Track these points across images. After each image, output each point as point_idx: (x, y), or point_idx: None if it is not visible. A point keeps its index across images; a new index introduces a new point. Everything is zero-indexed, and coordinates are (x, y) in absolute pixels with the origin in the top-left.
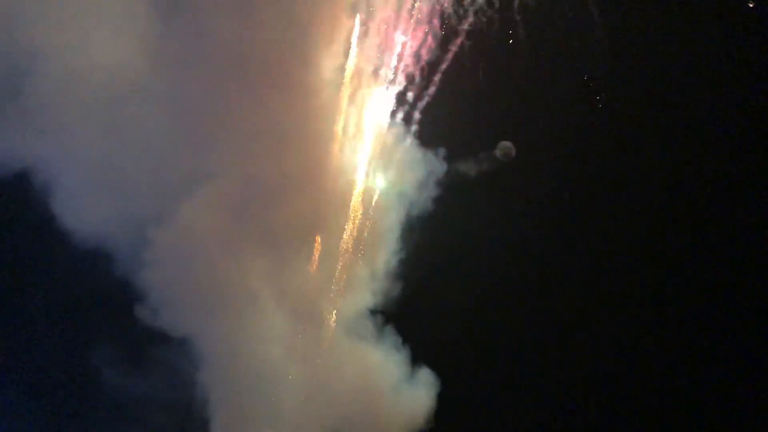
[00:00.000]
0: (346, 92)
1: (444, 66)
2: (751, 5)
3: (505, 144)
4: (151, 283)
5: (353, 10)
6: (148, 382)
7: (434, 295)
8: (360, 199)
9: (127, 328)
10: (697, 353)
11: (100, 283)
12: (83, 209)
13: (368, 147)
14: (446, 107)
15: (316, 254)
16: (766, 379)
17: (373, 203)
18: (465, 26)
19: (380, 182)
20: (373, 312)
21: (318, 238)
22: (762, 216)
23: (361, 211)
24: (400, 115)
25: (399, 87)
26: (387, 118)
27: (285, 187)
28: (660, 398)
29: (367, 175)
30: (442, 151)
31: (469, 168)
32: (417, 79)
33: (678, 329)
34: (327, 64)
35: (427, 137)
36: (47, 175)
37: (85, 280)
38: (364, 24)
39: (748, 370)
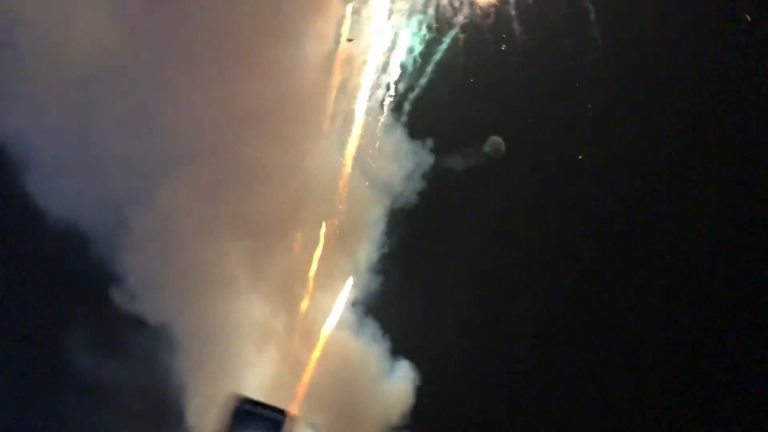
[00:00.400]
0: (335, 79)
1: (437, 57)
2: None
3: (495, 139)
4: (128, 266)
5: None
6: (122, 367)
7: (416, 287)
8: (344, 187)
9: (102, 312)
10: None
11: (75, 265)
12: (58, 188)
13: (355, 135)
14: (437, 99)
15: (296, 241)
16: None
17: (357, 192)
18: (460, 18)
19: (366, 171)
20: (354, 303)
21: (298, 225)
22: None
23: (344, 200)
24: (390, 106)
25: (390, 77)
26: (376, 108)
27: (266, 171)
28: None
29: (353, 163)
30: (430, 143)
31: (456, 162)
32: (409, 69)
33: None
34: (315, 49)
35: (416, 129)
36: (20, 151)
37: (59, 261)
38: (357, 12)
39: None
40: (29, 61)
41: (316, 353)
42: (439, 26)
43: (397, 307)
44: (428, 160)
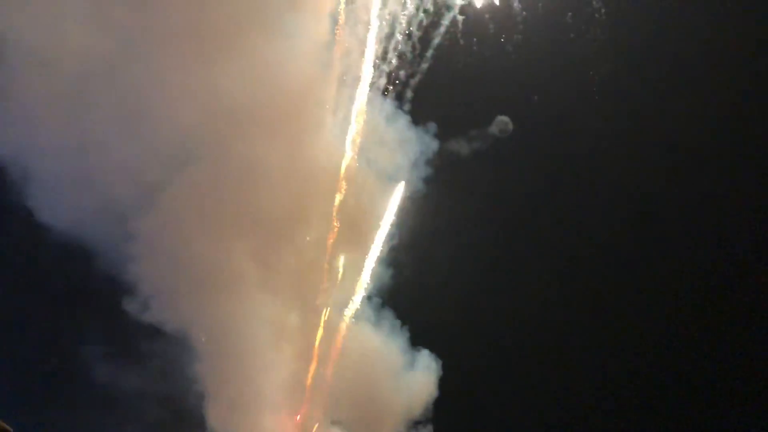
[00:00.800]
0: (333, 70)
1: (436, 41)
2: None
3: (503, 118)
4: (137, 275)
5: None
6: (140, 375)
7: (432, 276)
8: (349, 180)
9: (117, 323)
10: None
11: (85, 278)
12: (60, 203)
13: (357, 126)
14: (439, 84)
15: (305, 237)
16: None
17: (364, 184)
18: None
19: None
20: (369, 297)
21: (305, 220)
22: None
23: (350, 192)
24: (391, 94)
25: (390, 64)
26: (378, 97)
27: (268, 167)
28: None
29: (357, 155)
30: (434, 128)
31: (462, 147)
32: (409, 56)
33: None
34: (310, 41)
35: (419, 115)
36: (20, 169)
37: (69, 276)
38: (351, 1)
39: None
40: (18, 75)
41: (335, 348)
42: (436, 10)
43: (413, 298)
44: (433, 145)
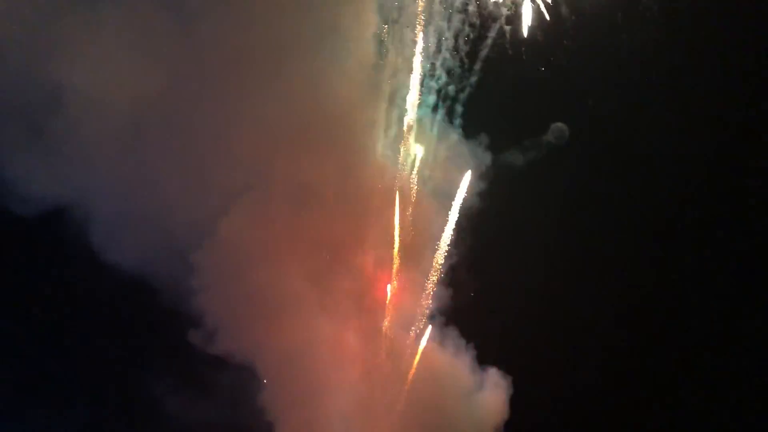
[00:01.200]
0: (383, 90)
1: (484, 54)
2: None
3: (558, 126)
4: (200, 307)
5: (380, 9)
6: (210, 407)
7: (494, 291)
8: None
9: (184, 355)
10: None
11: (150, 314)
12: (121, 242)
13: (410, 145)
14: (490, 96)
15: (364, 258)
16: None
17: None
18: (503, 11)
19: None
20: (432, 316)
21: (363, 241)
22: None
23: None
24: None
25: (439, 81)
26: (429, 114)
27: (322, 189)
28: None
29: (411, 174)
30: (487, 141)
31: (517, 158)
32: (457, 70)
33: None
34: (358, 62)
35: (471, 129)
36: (82, 211)
37: (134, 313)
38: (395, 21)
39: None
40: (73, 118)
41: (402, 370)
42: (482, 22)
43: (477, 315)
44: (487, 159)
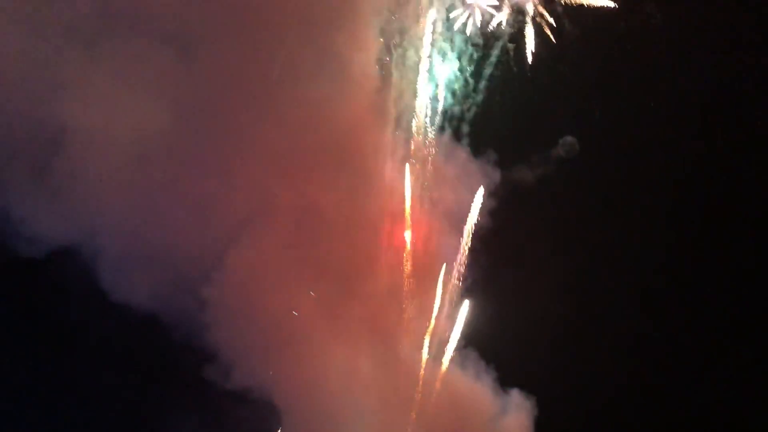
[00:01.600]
0: (388, 113)
1: (488, 72)
2: None
3: (568, 139)
4: (214, 342)
5: (382, 33)
6: None
7: (509, 310)
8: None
9: (201, 391)
10: None
11: (165, 352)
12: (131, 281)
13: (417, 168)
14: (496, 113)
15: (376, 283)
16: None
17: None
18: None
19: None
20: (448, 339)
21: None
22: None
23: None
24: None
25: (445, 101)
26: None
27: (330, 215)
28: None
29: (420, 194)
30: (495, 158)
31: (526, 174)
32: (462, 90)
33: None
34: (361, 87)
35: (479, 148)
36: (90, 252)
37: (148, 350)
38: (399, 45)
39: None
40: (80, 159)
41: (423, 395)
42: (485, 41)
43: (495, 336)
44: (496, 177)
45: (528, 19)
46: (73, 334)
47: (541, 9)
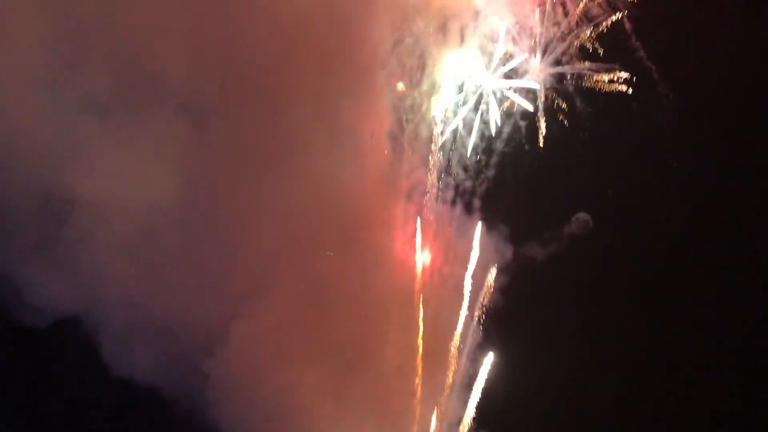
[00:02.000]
0: (399, 187)
1: (500, 148)
2: None
3: (582, 216)
4: (217, 418)
5: (394, 109)
6: None
7: (525, 391)
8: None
9: None
10: None
11: (165, 428)
12: (133, 355)
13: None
14: (508, 189)
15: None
16: None
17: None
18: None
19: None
20: (460, 420)
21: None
22: None
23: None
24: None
25: (457, 177)
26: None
27: (337, 288)
28: None
29: (430, 270)
30: (507, 234)
31: (538, 251)
32: (474, 166)
33: None
34: (372, 161)
35: (491, 223)
36: (92, 323)
37: (148, 425)
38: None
39: None
40: (86, 231)
41: None
42: (497, 120)
43: (507, 416)
44: (508, 253)
45: (540, 103)
46: (74, 406)
47: (551, 94)
